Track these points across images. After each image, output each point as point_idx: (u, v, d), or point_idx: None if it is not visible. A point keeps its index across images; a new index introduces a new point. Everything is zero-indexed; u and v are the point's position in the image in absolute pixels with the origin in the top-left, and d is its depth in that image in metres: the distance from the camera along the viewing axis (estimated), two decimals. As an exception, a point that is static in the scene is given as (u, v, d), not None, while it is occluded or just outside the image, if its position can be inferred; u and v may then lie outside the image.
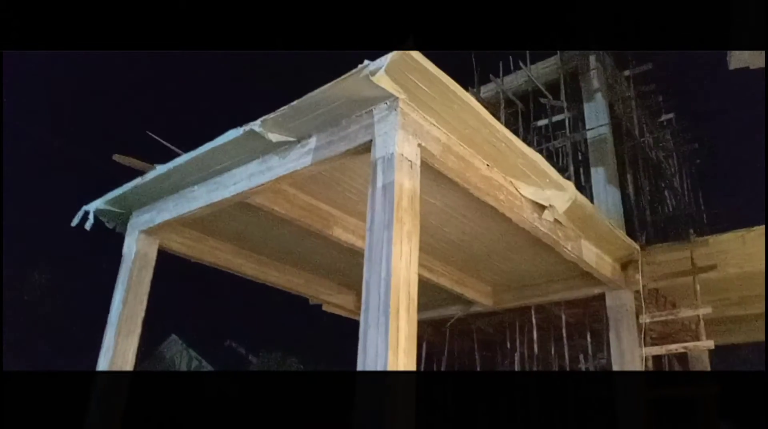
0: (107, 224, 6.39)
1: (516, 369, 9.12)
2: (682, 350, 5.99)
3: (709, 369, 6.27)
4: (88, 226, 6.18)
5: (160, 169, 5.43)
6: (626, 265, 6.64)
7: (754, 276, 6.42)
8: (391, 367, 3.61)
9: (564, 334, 8.61)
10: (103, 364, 5.67)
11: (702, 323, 5.92)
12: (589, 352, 8.76)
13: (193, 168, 5.26)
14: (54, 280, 18.25)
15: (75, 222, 6.24)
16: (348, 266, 7.32)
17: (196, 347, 15.96)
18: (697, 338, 6.00)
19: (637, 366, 6.15)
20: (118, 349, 5.70)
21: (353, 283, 8.12)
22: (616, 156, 8.47)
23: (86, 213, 6.16)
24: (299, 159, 4.66)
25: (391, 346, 3.67)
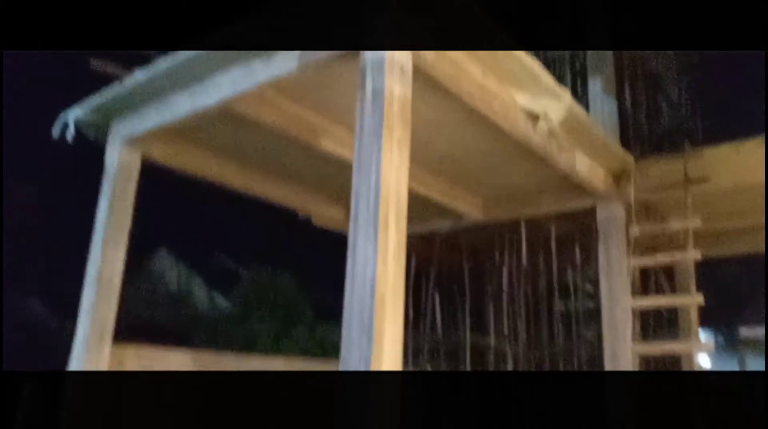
0: (87, 135, 6.18)
1: (504, 282, 9.26)
2: (669, 261, 6.04)
3: (694, 284, 6.35)
4: (69, 137, 5.99)
5: (139, 74, 5.20)
6: (619, 177, 6.58)
7: (745, 189, 6.41)
8: (380, 276, 3.58)
9: (553, 248, 8.68)
10: (92, 274, 5.66)
11: (691, 235, 5.94)
12: (577, 265, 8.87)
13: (175, 74, 5.04)
14: (41, 195, 18.10)
15: (56, 132, 6.05)
16: (337, 179, 7.19)
17: (185, 261, 16.10)
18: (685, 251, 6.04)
19: (624, 278, 6.22)
20: (106, 260, 5.68)
21: (343, 197, 8.01)
22: (615, 67, 8.22)
23: (66, 123, 5.95)
24: (284, 64, 4.47)
25: (381, 255, 3.63)
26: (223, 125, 5.88)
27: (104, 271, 5.68)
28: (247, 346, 9.72)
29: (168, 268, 15.83)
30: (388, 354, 3.52)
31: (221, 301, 14.15)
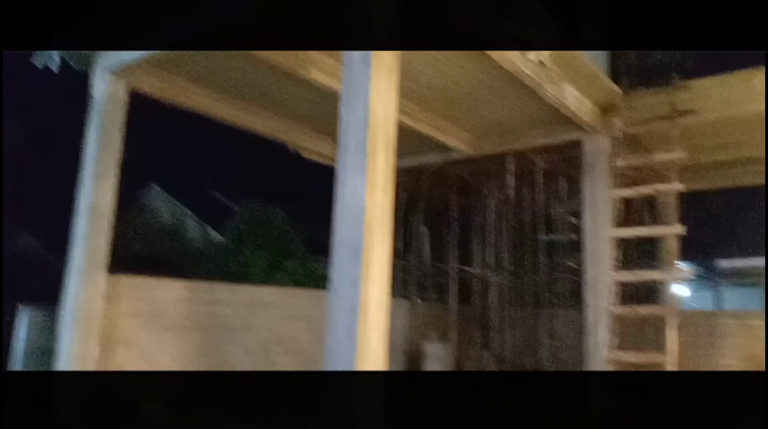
0: (73, 65, 6.10)
1: (490, 214, 9.43)
2: (653, 193, 6.17)
3: (676, 215, 6.49)
4: (54, 67, 5.92)
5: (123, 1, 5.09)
6: (606, 110, 6.62)
7: (731, 122, 6.48)
8: (368, 206, 3.67)
9: (539, 181, 8.81)
10: (83, 204, 5.72)
11: (675, 167, 6.04)
12: (562, 197, 9.02)
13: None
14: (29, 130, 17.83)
15: (40, 63, 5.97)
16: (326, 112, 7.19)
17: (178, 196, 16.11)
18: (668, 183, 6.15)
19: (607, 209, 6.35)
20: (96, 190, 5.72)
21: (332, 130, 8.04)
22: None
23: (50, 53, 5.87)
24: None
25: (369, 184, 3.70)
26: (210, 55, 5.81)
27: (95, 201, 5.73)
28: (241, 278, 9.90)
29: (160, 202, 15.86)
30: (376, 280, 3.65)
31: (214, 235, 14.28)
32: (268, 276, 10.98)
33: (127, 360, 6.26)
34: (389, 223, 3.79)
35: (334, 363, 3.66)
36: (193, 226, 15.39)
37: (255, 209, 12.39)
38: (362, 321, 3.55)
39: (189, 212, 15.98)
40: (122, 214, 10.39)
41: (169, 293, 6.79)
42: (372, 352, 3.57)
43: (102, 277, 5.81)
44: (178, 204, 16.21)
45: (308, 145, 8.40)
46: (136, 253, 11.37)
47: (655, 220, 8.49)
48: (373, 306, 3.61)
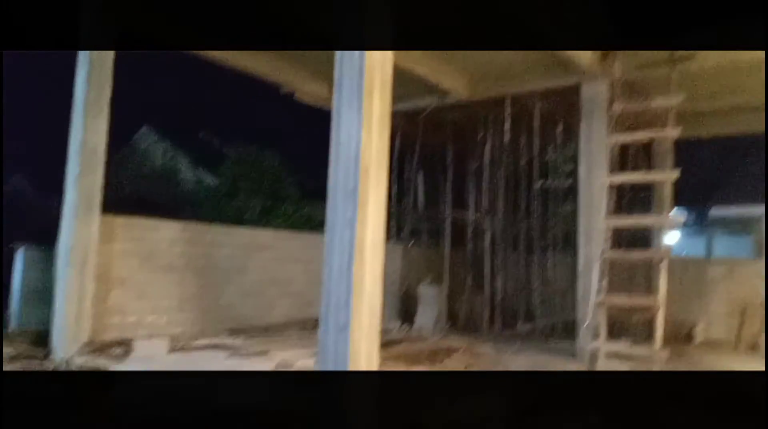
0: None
1: (486, 160, 9.40)
2: (648, 138, 6.14)
3: (671, 161, 6.50)
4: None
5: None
6: (606, 54, 6.52)
7: (729, 68, 6.41)
8: (364, 146, 3.65)
9: (536, 126, 8.75)
10: (75, 144, 5.68)
11: (672, 113, 5.99)
12: (558, 143, 8.99)
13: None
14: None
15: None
16: (320, 52, 7.05)
17: (169, 139, 15.95)
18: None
19: (603, 154, 6.34)
20: (88, 129, 5.67)
21: (327, 72, 7.90)
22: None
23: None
24: None
25: (365, 126, 3.67)
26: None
27: (87, 140, 5.68)
28: (236, 222, 9.92)
29: (152, 145, 15.71)
30: (371, 221, 3.67)
31: (207, 179, 14.23)
32: (263, 220, 11.02)
33: (124, 299, 6.34)
34: (385, 164, 3.78)
35: (330, 303, 3.72)
36: (186, 170, 15.31)
37: (248, 153, 12.32)
38: (358, 261, 3.58)
39: (182, 155, 15.85)
40: (115, 157, 10.33)
41: (164, 234, 6.82)
42: (367, 293, 3.62)
43: (96, 217, 5.82)
44: (171, 147, 16.06)
45: (302, 86, 8.27)
46: (129, 195, 11.37)
47: (651, 168, 8.50)
48: (368, 247, 3.64)
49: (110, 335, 6.06)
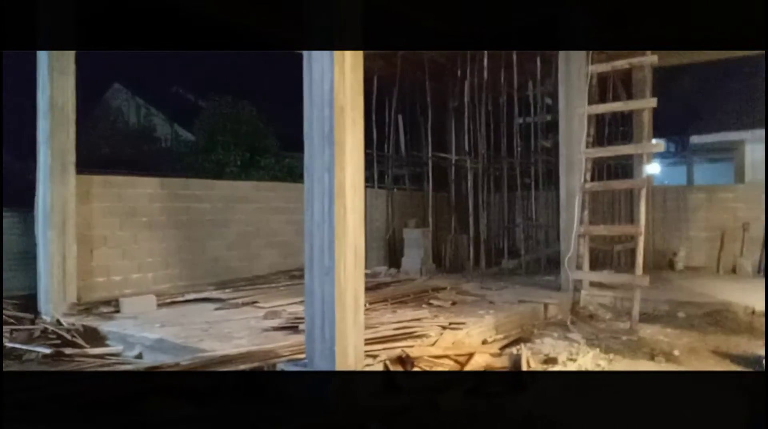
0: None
1: (465, 99, 9.28)
2: (627, 66, 6.05)
3: (650, 89, 6.43)
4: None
5: None
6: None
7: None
8: (337, 87, 3.56)
9: (515, 60, 8.63)
10: (43, 103, 5.51)
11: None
12: (538, 78, 8.89)
13: None
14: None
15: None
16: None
17: (142, 95, 15.54)
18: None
19: (582, 86, 6.27)
20: (54, 87, 5.50)
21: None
22: None
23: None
24: None
25: (337, 64, 3.57)
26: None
27: (55, 98, 5.51)
28: (216, 176, 9.78)
29: (125, 102, 15.30)
30: (350, 162, 3.61)
31: (184, 134, 13.95)
32: (244, 173, 10.88)
33: (108, 258, 6.30)
34: (360, 103, 3.70)
35: (313, 247, 3.69)
36: (161, 126, 15.00)
37: (224, 106, 12.05)
38: (338, 204, 3.54)
39: (155, 111, 15.48)
40: (87, 117, 10.06)
41: (142, 191, 6.72)
42: (350, 235, 3.60)
43: (72, 177, 5.71)
44: (145, 103, 15.66)
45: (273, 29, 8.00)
46: (106, 155, 11.14)
47: (630, 97, 8.45)
48: (348, 189, 3.59)
49: (97, 295, 6.04)
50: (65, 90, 5.56)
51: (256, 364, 3.82)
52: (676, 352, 4.67)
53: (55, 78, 5.47)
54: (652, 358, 4.56)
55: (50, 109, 5.48)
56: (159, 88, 16.59)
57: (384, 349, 4.04)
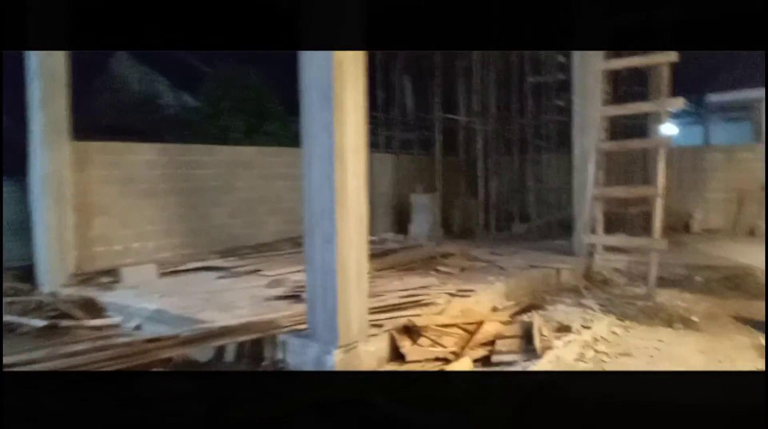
0: None
1: (474, 57, 8.96)
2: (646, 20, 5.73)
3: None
4: None
5: None
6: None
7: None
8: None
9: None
10: (33, 67, 5.29)
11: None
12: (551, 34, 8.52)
13: None
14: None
15: None
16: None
17: (145, 63, 15.26)
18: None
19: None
20: (47, 53, 5.27)
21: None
22: None
23: None
24: None
25: (337, 17, 3.34)
26: None
27: (45, 63, 5.29)
28: (221, 142, 9.57)
29: (128, 69, 15.04)
30: (350, 123, 3.40)
31: (188, 100, 13.71)
32: (249, 139, 10.67)
33: (107, 227, 6.14)
34: (362, 58, 3.46)
35: (313, 214, 3.53)
36: (166, 92, 14.76)
37: (228, 71, 11.80)
38: (339, 168, 3.35)
39: (159, 78, 15.23)
40: (90, 85, 9.84)
41: (141, 157, 6.53)
42: (352, 200, 3.41)
43: (66, 143, 5.52)
44: (149, 70, 15.39)
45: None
46: (109, 124, 10.94)
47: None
48: (349, 151, 3.39)
49: (97, 265, 5.90)
50: (58, 54, 5.34)
51: (256, 336, 3.67)
52: (695, 318, 4.48)
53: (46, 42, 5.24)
54: (669, 324, 4.38)
55: (41, 75, 5.27)
56: (163, 54, 16.30)
57: (390, 318, 3.89)
